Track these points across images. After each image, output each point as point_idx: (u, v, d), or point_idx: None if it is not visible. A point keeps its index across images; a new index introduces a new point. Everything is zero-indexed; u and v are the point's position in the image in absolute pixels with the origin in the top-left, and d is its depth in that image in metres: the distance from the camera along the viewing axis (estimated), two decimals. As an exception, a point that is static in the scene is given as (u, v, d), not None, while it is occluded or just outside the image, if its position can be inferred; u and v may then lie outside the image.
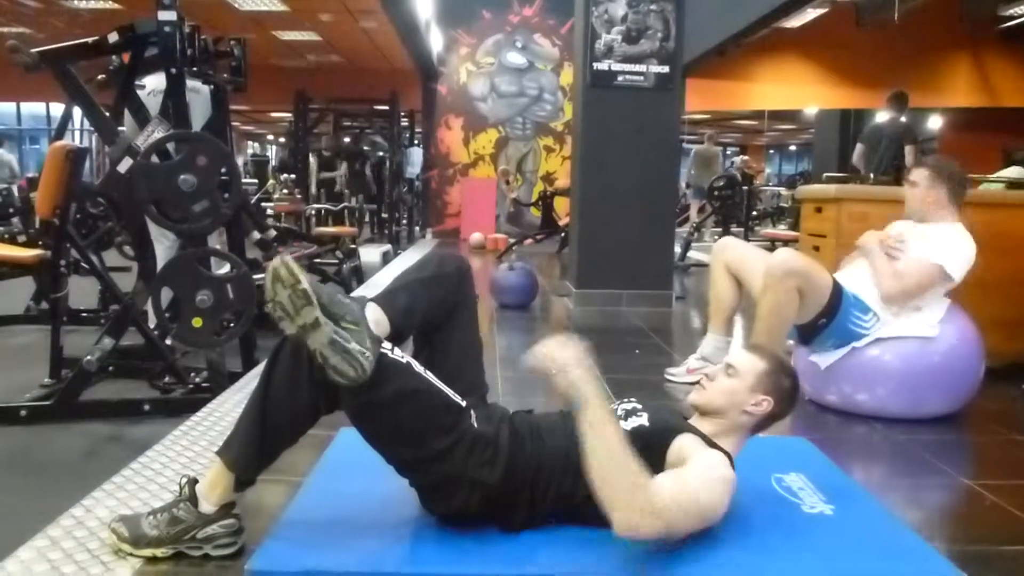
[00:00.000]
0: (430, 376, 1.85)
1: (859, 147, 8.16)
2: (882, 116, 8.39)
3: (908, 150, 7.74)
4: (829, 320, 3.11)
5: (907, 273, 3.10)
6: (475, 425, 1.87)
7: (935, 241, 3.14)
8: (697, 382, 2.12)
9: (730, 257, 3.45)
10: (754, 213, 14.08)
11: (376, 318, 1.89)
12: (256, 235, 5.14)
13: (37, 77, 3.54)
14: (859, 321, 3.11)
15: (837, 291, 3.11)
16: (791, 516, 2.04)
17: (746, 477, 2.24)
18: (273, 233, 5.85)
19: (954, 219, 3.23)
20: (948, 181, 3.23)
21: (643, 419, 1.97)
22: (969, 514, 2.38)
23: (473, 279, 2.18)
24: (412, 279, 2.07)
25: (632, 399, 2.11)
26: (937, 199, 3.23)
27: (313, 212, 10.60)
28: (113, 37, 3.43)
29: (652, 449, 1.87)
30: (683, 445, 1.89)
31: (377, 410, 1.79)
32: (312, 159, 12.71)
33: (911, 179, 3.29)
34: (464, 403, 1.89)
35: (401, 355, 1.81)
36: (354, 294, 3.00)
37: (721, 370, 2.06)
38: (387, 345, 1.79)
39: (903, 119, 7.99)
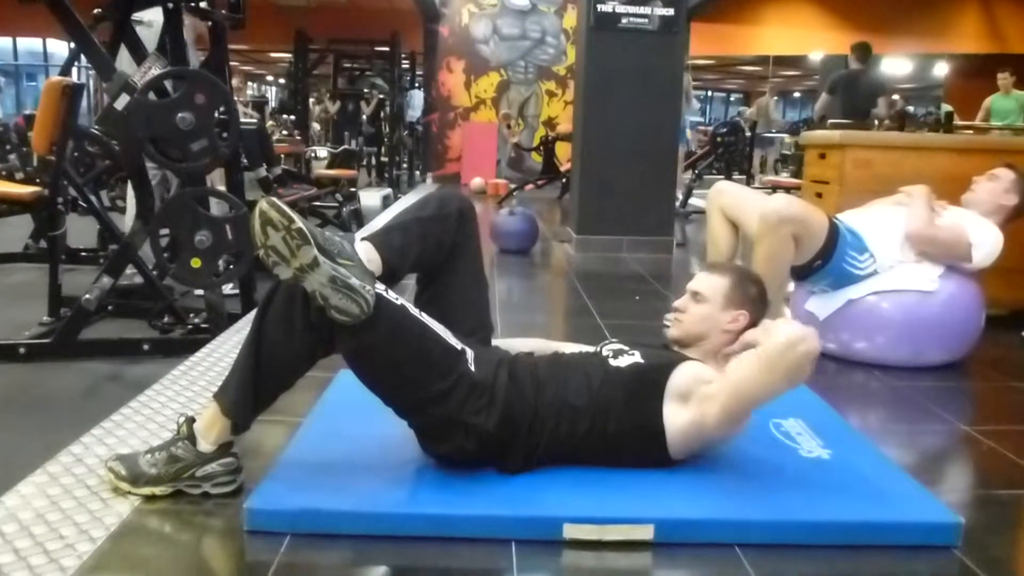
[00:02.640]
0: (425, 319, 1.84)
1: (825, 97, 8.17)
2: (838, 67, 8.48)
3: (882, 101, 7.95)
4: (825, 262, 3.09)
5: (940, 227, 3.11)
6: (472, 369, 1.86)
7: (977, 226, 3.14)
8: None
9: (726, 201, 3.42)
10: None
11: (369, 257, 1.86)
12: (263, 171, 5.10)
13: (34, 13, 3.48)
14: (854, 261, 3.09)
15: (833, 233, 3.09)
16: (788, 460, 2.05)
17: (744, 421, 2.24)
18: (279, 171, 5.81)
19: (999, 224, 3.22)
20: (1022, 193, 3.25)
21: (636, 357, 1.98)
22: (966, 459, 2.40)
23: (476, 220, 2.14)
24: (409, 218, 2.03)
25: (615, 340, 2.11)
26: (1004, 204, 3.24)
27: (314, 154, 10.52)
28: (109, -30, 3.37)
29: (651, 384, 1.89)
30: (693, 372, 1.91)
31: (373, 352, 1.78)
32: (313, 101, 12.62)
33: (995, 172, 3.27)
34: (460, 347, 1.87)
35: (395, 296, 1.79)
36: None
37: (688, 299, 2.09)
38: (381, 286, 1.77)
39: (869, 70, 8.25)
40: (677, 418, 1.86)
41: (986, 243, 3.10)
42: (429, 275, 2.09)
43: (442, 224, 2.03)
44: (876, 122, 7.62)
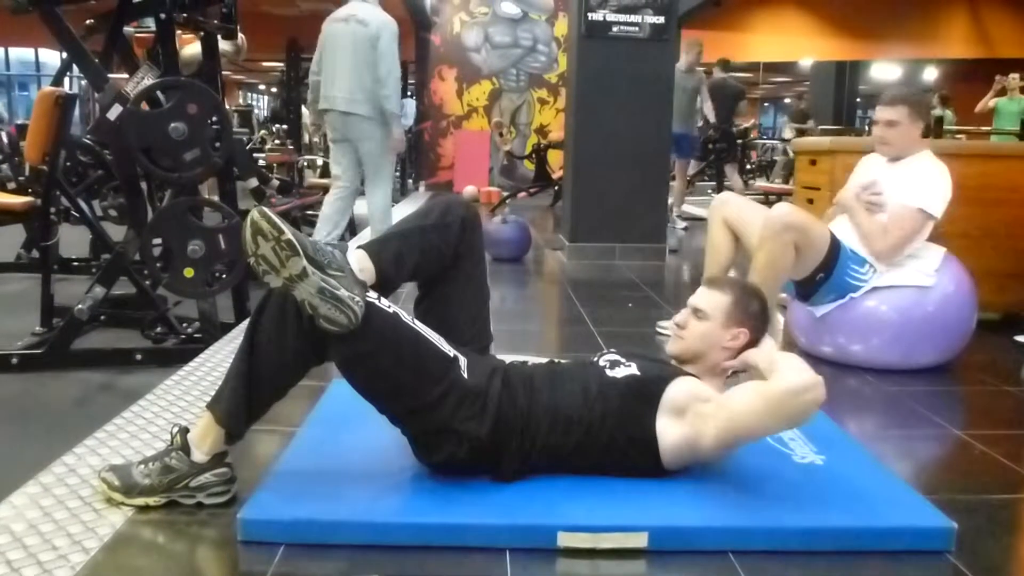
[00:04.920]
0: (419, 326, 1.85)
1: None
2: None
3: (743, 104, 9.27)
4: (827, 275, 3.10)
5: (892, 226, 3.10)
6: (465, 377, 1.86)
7: (910, 181, 3.12)
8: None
9: (729, 212, 3.43)
10: (748, 167, 14.06)
11: (361, 266, 1.88)
12: (253, 182, 5.10)
13: (26, 21, 3.48)
14: (856, 274, 3.11)
15: (835, 245, 3.10)
16: (782, 466, 2.05)
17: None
18: (277, 183, 5.80)
19: (922, 147, 3.21)
20: (925, 113, 3.23)
21: (632, 368, 1.97)
22: (959, 464, 2.40)
23: (480, 229, 2.13)
24: (410, 227, 2.03)
25: (612, 350, 2.11)
26: (918, 135, 3.21)
27: (306, 163, 10.51)
28: (101, -20, 3.38)
29: (645, 397, 1.89)
30: (689, 388, 1.90)
31: (365, 360, 1.78)
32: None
33: (888, 118, 3.19)
34: (453, 354, 1.88)
35: (388, 304, 1.80)
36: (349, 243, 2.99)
37: (689, 314, 2.08)
38: (373, 295, 1.77)
39: (730, 79, 9.42)
40: (671, 432, 1.86)
41: (930, 189, 3.09)
42: (429, 283, 2.09)
43: (443, 233, 2.02)
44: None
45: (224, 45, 4.25)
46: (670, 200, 8.01)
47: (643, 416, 1.87)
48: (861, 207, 3.17)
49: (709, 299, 2.07)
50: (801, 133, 13.45)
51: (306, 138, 12.33)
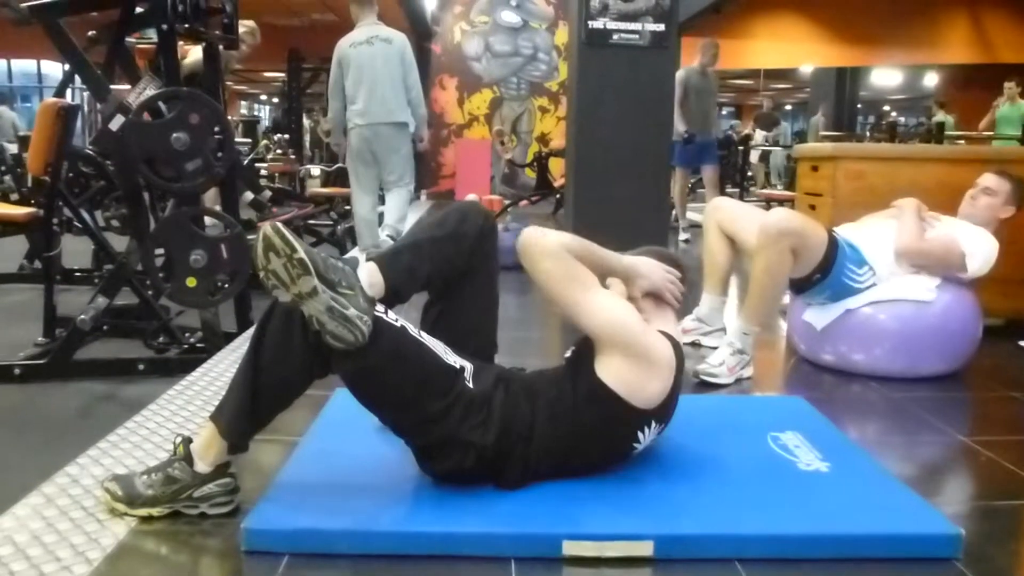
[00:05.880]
0: (424, 339, 1.84)
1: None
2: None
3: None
4: (824, 276, 3.10)
5: (931, 240, 3.14)
6: (470, 387, 1.86)
7: (970, 235, 3.16)
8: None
9: (723, 217, 3.43)
10: (749, 173, 14.09)
11: (372, 280, 1.88)
12: (249, 196, 5.11)
13: (28, 34, 3.49)
14: (853, 275, 3.10)
15: (832, 247, 3.09)
16: (787, 473, 2.04)
17: (743, 435, 2.25)
18: (268, 194, 5.84)
19: (993, 229, 3.25)
20: (1018, 202, 3.29)
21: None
22: (965, 470, 2.39)
23: (496, 239, 2.13)
24: (423, 237, 2.03)
25: None
26: (1002, 217, 3.28)
27: (308, 173, 10.53)
28: (104, -8, 3.38)
29: (584, 352, 1.94)
30: None
31: (370, 374, 1.78)
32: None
33: (989, 185, 3.28)
34: (459, 366, 1.87)
35: (395, 318, 1.79)
36: (350, 254, 2.99)
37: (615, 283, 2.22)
38: (380, 308, 1.77)
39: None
40: (607, 366, 1.87)
41: (980, 252, 3.11)
42: (439, 292, 2.08)
43: (457, 244, 2.02)
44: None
45: (241, 29, 4.34)
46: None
47: (587, 368, 1.89)
48: (916, 214, 3.20)
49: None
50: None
51: (307, 148, 12.35)
